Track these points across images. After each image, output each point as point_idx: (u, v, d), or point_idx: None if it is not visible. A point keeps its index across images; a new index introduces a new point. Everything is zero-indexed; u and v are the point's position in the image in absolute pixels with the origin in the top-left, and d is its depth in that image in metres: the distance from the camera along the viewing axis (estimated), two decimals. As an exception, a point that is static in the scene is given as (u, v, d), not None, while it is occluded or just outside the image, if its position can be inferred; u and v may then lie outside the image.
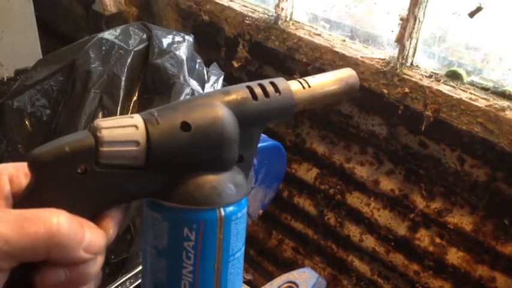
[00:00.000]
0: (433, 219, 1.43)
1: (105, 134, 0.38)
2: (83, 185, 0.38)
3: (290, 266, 1.87)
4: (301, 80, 0.50)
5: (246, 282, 1.61)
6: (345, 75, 0.53)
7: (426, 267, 1.49)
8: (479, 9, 1.16)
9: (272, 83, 0.47)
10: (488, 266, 1.36)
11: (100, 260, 0.39)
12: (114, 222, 0.41)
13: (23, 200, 0.37)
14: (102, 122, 0.39)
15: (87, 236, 0.37)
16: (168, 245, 0.42)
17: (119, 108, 1.08)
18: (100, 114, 1.06)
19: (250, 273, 1.97)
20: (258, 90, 0.46)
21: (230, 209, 0.43)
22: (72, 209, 0.37)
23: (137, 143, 0.39)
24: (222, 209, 0.42)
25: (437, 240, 1.44)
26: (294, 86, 0.49)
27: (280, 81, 0.48)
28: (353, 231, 1.63)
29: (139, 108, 1.11)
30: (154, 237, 0.42)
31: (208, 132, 0.41)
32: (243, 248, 0.46)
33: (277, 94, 0.47)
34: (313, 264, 1.80)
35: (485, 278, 1.37)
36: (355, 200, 1.59)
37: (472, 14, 1.17)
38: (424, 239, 1.46)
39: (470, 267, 1.39)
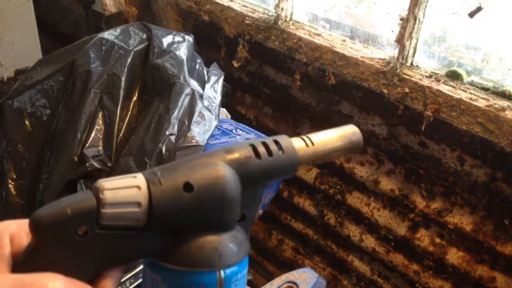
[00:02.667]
0: (433, 219, 1.43)
1: (108, 195, 0.38)
2: (83, 247, 0.38)
3: (290, 266, 1.87)
4: (304, 138, 0.49)
5: (246, 282, 1.61)
6: (348, 132, 0.52)
7: (426, 267, 1.49)
8: (479, 9, 1.16)
9: (276, 141, 0.47)
10: (488, 266, 1.36)
11: None
12: (113, 282, 0.40)
13: (22, 261, 0.37)
14: (105, 183, 0.38)
15: None
16: None
17: (118, 108, 1.08)
18: (100, 115, 1.06)
19: (250, 273, 1.97)
20: (261, 149, 0.45)
21: (230, 270, 0.42)
22: (72, 270, 0.37)
23: (139, 204, 0.38)
24: (222, 271, 0.41)
25: (437, 240, 1.44)
26: (297, 144, 0.48)
27: (283, 139, 0.47)
28: (353, 231, 1.63)
29: (139, 108, 1.11)
30: None
31: (211, 193, 0.41)
32: None
33: (281, 152, 0.46)
34: (313, 264, 1.80)
35: (485, 278, 1.37)
36: (355, 200, 1.59)
37: (472, 14, 1.17)
38: (424, 239, 1.46)
39: (470, 267, 1.39)
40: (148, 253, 0.41)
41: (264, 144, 0.46)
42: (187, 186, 0.40)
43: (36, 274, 0.35)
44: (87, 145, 1.02)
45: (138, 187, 0.39)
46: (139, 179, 0.39)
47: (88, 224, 0.37)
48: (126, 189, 0.39)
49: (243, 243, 0.44)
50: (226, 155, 0.44)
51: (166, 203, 0.39)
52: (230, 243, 0.42)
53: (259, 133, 1.31)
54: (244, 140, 1.22)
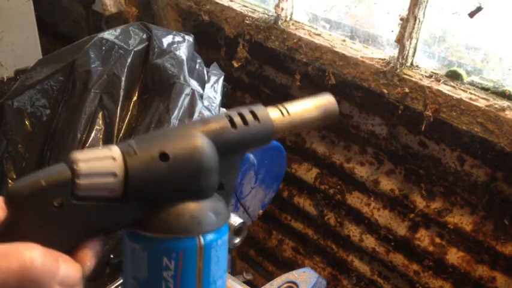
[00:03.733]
0: (433, 219, 1.43)
1: (82, 166, 0.38)
2: (59, 218, 0.38)
3: (290, 266, 1.87)
4: (280, 107, 0.50)
5: (246, 282, 1.61)
6: (323, 101, 0.53)
7: (426, 267, 1.49)
8: (479, 9, 1.16)
9: (251, 111, 0.47)
10: (488, 266, 1.36)
11: None
12: (92, 253, 0.40)
13: None
14: (79, 155, 0.38)
15: (62, 270, 0.36)
16: (148, 275, 0.42)
17: (118, 108, 1.08)
18: (100, 115, 1.06)
19: (250, 273, 1.97)
20: (237, 119, 0.46)
21: (210, 236, 0.42)
22: (49, 242, 0.37)
23: (114, 174, 0.38)
24: (201, 237, 0.42)
25: (437, 240, 1.44)
26: (274, 114, 0.49)
27: (259, 109, 0.48)
28: (353, 231, 1.63)
29: (139, 108, 1.11)
30: (134, 267, 0.42)
31: (187, 162, 0.41)
32: (225, 276, 0.46)
33: (256, 122, 0.47)
34: (313, 264, 1.80)
35: (485, 278, 1.37)
36: (355, 200, 1.59)
37: (472, 14, 1.17)
38: (424, 239, 1.46)
39: (470, 267, 1.39)
40: (127, 223, 0.41)
41: (240, 114, 0.47)
42: (163, 156, 0.40)
43: (13, 244, 0.35)
44: (87, 145, 1.02)
45: (113, 158, 0.39)
46: (114, 150, 0.39)
47: (63, 195, 0.37)
48: (100, 160, 0.39)
49: (222, 211, 0.44)
50: (203, 126, 0.44)
51: (142, 172, 0.39)
52: (209, 211, 0.42)
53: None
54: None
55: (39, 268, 0.35)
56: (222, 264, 0.44)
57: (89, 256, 0.40)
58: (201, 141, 0.43)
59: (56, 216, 0.38)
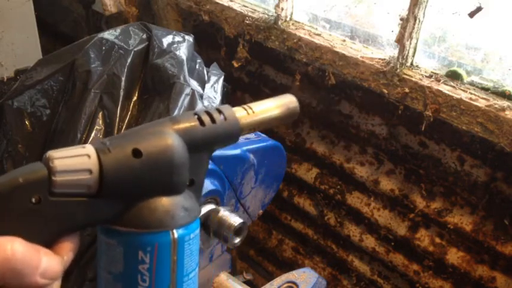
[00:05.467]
0: (433, 219, 1.43)
1: (58, 163, 0.39)
2: (37, 214, 0.39)
3: (290, 266, 1.87)
4: (246, 107, 0.54)
5: (246, 282, 1.61)
6: (286, 100, 0.57)
7: (426, 267, 1.49)
8: (479, 9, 1.16)
9: (218, 110, 0.50)
10: (488, 266, 1.36)
11: (56, 286, 0.40)
12: (70, 248, 0.42)
13: None
14: (55, 153, 0.40)
15: (44, 262, 0.37)
16: (123, 269, 0.43)
17: (118, 108, 1.08)
18: (100, 115, 1.06)
19: (250, 273, 1.97)
20: (205, 118, 0.49)
21: (183, 230, 0.45)
22: (28, 237, 0.38)
23: (90, 171, 0.40)
24: (175, 231, 0.44)
25: (437, 240, 1.44)
26: (239, 113, 0.52)
27: (226, 109, 0.51)
28: (353, 231, 1.63)
29: (139, 108, 1.11)
30: (109, 262, 0.44)
31: (160, 159, 0.43)
32: (197, 269, 0.48)
33: (223, 120, 0.50)
34: (313, 264, 1.80)
35: (485, 278, 1.37)
36: (355, 200, 1.59)
37: (472, 14, 1.17)
38: (424, 239, 1.46)
39: (470, 267, 1.39)
40: (103, 219, 0.43)
41: (208, 113, 0.49)
42: (136, 152, 0.42)
43: None
44: (87, 145, 1.02)
45: (88, 155, 0.41)
46: (88, 148, 0.42)
47: (41, 192, 0.39)
48: (76, 157, 0.41)
49: (193, 206, 0.47)
50: (173, 124, 0.47)
51: (116, 169, 0.41)
52: (181, 205, 0.45)
53: (259, 133, 1.31)
54: (244, 141, 1.22)
55: (20, 259, 0.35)
56: (195, 258, 0.47)
57: (67, 250, 0.42)
58: (172, 139, 0.45)
59: (34, 212, 0.39)
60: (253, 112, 0.53)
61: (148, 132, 0.45)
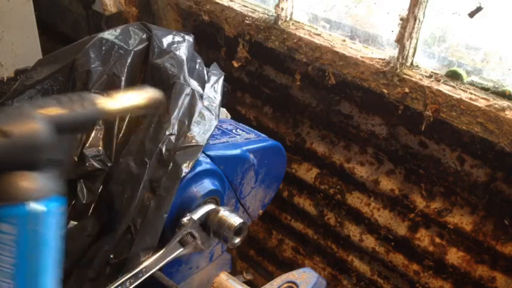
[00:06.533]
0: (433, 219, 1.43)
1: None
2: None
3: (290, 266, 1.87)
4: (108, 95, 0.63)
5: (246, 282, 1.61)
6: (149, 91, 0.68)
7: (426, 267, 1.49)
8: (479, 9, 1.16)
9: (79, 96, 0.60)
10: (488, 266, 1.36)
11: None
12: None
13: None
14: None
15: None
16: None
17: (119, 108, 1.08)
18: (100, 114, 1.06)
19: (250, 273, 1.97)
20: (69, 105, 0.56)
21: (39, 204, 0.48)
22: None
23: None
24: (31, 204, 0.48)
25: (437, 240, 1.44)
26: (101, 99, 0.60)
27: (87, 95, 0.60)
28: (353, 231, 1.63)
29: (139, 108, 1.11)
30: None
31: (25, 138, 0.49)
32: (58, 245, 0.52)
33: (88, 106, 0.59)
34: (313, 264, 1.80)
35: (485, 278, 1.37)
36: (355, 200, 1.59)
37: (472, 14, 1.17)
38: (424, 239, 1.46)
39: (470, 267, 1.39)
40: None
41: (70, 100, 0.57)
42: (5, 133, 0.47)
43: None
44: (87, 145, 1.02)
45: None
46: None
47: None
48: None
49: (52, 183, 0.51)
50: (42, 108, 0.53)
51: None
52: (39, 181, 0.49)
53: (259, 133, 1.31)
54: (244, 141, 1.22)
55: None
56: (54, 232, 0.51)
57: None
58: (38, 121, 0.51)
59: None
60: (113, 99, 0.61)
61: (15, 113, 0.50)
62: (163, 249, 0.96)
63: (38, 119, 0.51)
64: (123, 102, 0.62)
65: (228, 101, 1.31)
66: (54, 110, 0.54)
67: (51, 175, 0.51)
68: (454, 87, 1.22)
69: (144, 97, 0.65)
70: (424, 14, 1.22)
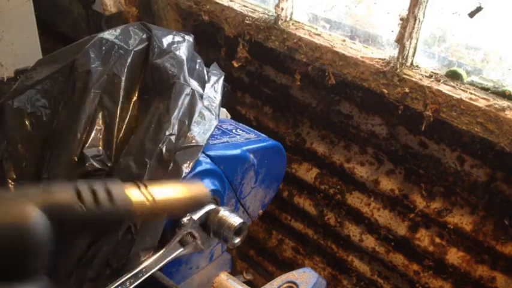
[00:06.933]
0: (433, 219, 1.43)
1: None
2: None
3: (290, 266, 1.87)
4: (144, 191, 0.43)
5: (246, 282, 1.61)
6: (194, 190, 0.49)
7: (426, 267, 1.48)
8: (479, 9, 1.16)
9: (106, 188, 0.40)
10: (488, 266, 1.36)
11: None
12: None
13: None
14: None
15: None
16: None
17: (118, 108, 1.08)
18: (100, 115, 1.06)
19: (250, 273, 1.97)
20: (86, 194, 0.39)
21: None
22: None
23: None
24: None
25: (437, 240, 1.44)
26: (135, 195, 0.42)
27: (115, 186, 0.41)
28: (353, 231, 1.63)
29: (139, 108, 1.11)
30: None
31: (6, 237, 0.34)
32: None
33: (108, 201, 0.40)
34: (313, 264, 1.80)
35: (485, 278, 1.37)
36: (355, 200, 1.59)
37: (472, 14, 1.17)
38: (424, 239, 1.46)
39: (470, 267, 1.39)
40: None
41: (93, 190, 0.40)
42: None
43: None
44: (87, 145, 1.02)
45: None
46: None
47: None
48: None
49: None
50: (41, 195, 0.37)
51: None
52: None
53: (259, 133, 1.31)
54: (244, 141, 1.22)
55: None
56: None
57: None
58: (30, 214, 0.35)
59: None
60: (153, 200, 0.43)
61: (4, 199, 0.36)
62: (163, 249, 0.96)
63: (32, 210, 0.35)
64: (161, 204, 0.43)
65: (228, 101, 1.31)
66: (59, 200, 0.37)
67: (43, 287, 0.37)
68: (454, 87, 1.22)
69: (187, 198, 0.47)
70: (424, 14, 1.22)
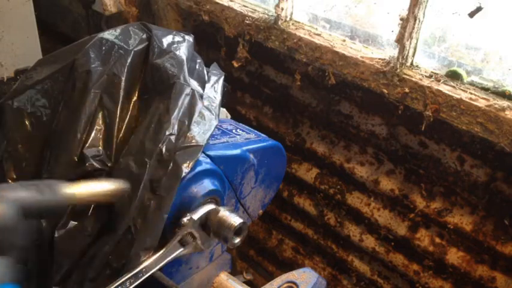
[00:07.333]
0: (433, 219, 1.43)
1: None
2: None
3: (290, 266, 1.87)
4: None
5: (246, 282, 1.61)
6: (116, 183, 0.73)
7: (426, 267, 1.48)
8: (479, 9, 1.16)
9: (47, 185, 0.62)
10: (488, 266, 1.36)
11: None
12: None
13: None
14: None
15: None
16: None
17: (118, 108, 1.08)
18: (100, 115, 1.06)
19: (250, 273, 1.97)
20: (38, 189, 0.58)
21: None
22: None
23: None
24: None
25: (437, 240, 1.44)
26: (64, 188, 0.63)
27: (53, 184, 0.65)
28: (353, 231, 1.63)
29: (139, 108, 1.11)
30: None
31: None
32: None
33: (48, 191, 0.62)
34: (313, 264, 1.80)
35: (485, 278, 1.37)
36: (355, 200, 1.59)
37: (472, 14, 1.17)
38: (424, 239, 1.46)
39: (470, 267, 1.39)
40: None
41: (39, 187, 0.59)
42: None
43: None
44: (87, 145, 1.02)
45: None
46: None
47: None
48: None
49: (8, 269, 0.51)
50: (8, 192, 0.54)
51: None
52: None
53: (259, 133, 1.31)
54: (244, 141, 1.22)
55: None
56: None
57: None
58: (2, 204, 0.52)
59: None
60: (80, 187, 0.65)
61: None
62: (163, 249, 0.96)
63: (2, 200, 0.52)
64: (89, 191, 0.67)
65: (228, 101, 1.31)
66: (19, 193, 0.55)
67: (9, 261, 0.50)
68: (454, 87, 1.22)
69: (109, 188, 0.70)
70: (424, 14, 1.22)
